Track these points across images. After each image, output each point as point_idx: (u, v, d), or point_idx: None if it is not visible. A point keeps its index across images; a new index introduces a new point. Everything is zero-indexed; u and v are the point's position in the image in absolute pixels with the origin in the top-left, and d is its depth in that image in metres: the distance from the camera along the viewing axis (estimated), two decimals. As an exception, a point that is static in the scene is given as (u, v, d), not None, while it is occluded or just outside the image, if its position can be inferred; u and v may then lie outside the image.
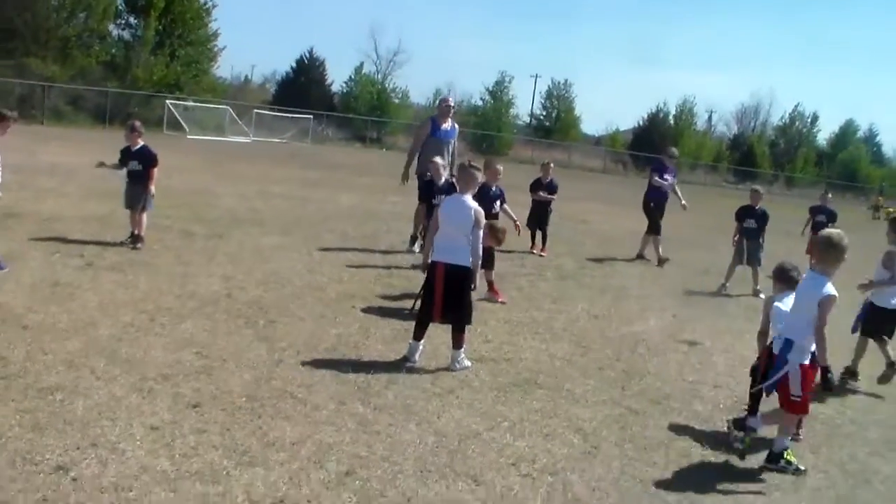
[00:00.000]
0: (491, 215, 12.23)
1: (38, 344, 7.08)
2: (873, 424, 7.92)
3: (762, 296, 12.82)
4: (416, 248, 13.89)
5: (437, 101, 15.61)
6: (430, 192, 12.69)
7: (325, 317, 9.15)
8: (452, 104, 14.82)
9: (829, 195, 19.58)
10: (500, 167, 12.10)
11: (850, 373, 9.42)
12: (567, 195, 16.00)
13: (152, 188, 11.93)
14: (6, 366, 6.45)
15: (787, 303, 7.16)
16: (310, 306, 9.54)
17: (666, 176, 17.02)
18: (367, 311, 9.64)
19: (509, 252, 14.57)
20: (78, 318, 7.97)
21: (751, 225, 14.50)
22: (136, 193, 11.87)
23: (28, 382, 6.16)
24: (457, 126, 14.55)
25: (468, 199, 7.82)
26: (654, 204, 16.92)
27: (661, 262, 16.32)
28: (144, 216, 11.91)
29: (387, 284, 11.16)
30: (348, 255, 13.19)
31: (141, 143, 12.03)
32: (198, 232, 13.11)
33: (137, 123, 12.30)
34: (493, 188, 11.56)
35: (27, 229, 11.98)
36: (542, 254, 15.58)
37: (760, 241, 14.58)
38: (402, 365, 7.65)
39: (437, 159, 12.71)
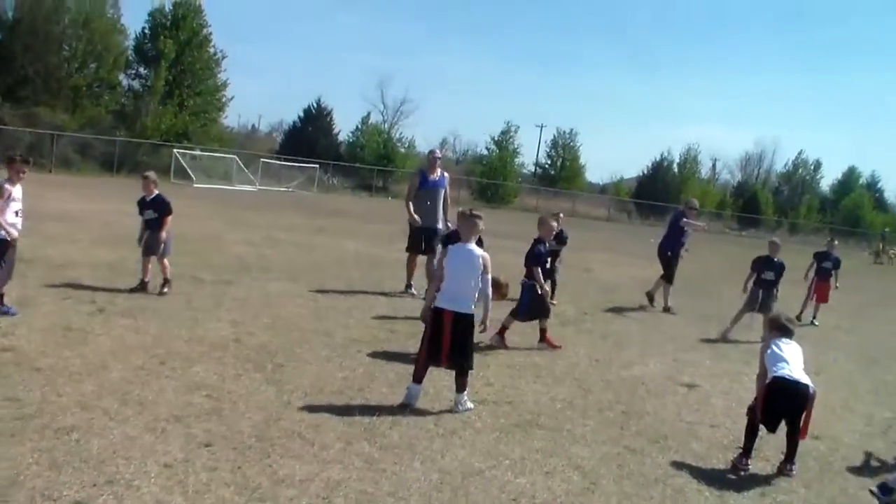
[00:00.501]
0: (546, 271, 12.72)
1: (52, 386, 7.29)
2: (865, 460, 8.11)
3: None
4: (414, 290, 14.60)
5: (427, 154, 16.12)
6: (421, 243, 13.84)
7: (331, 361, 9.37)
8: (439, 156, 15.52)
9: (836, 242, 19.86)
10: (555, 224, 12.38)
11: None
12: (571, 244, 16.22)
13: (163, 234, 12.31)
14: (22, 407, 6.67)
15: (781, 348, 7.50)
16: (316, 350, 9.76)
17: (687, 229, 17.27)
18: (372, 355, 9.86)
19: (513, 300, 14.77)
20: (90, 362, 8.20)
21: (769, 276, 14.52)
22: (154, 240, 12.28)
23: (44, 423, 6.38)
24: (447, 175, 15.18)
25: (473, 246, 8.07)
26: (672, 253, 17.08)
27: (666, 309, 16.52)
28: (166, 261, 12.31)
29: (391, 330, 11.36)
30: (354, 300, 13.43)
31: (156, 192, 12.50)
32: (206, 278, 13.35)
33: (152, 174, 12.84)
34: (543, 245, 11.69)
35: (38, 275, 12.24)
36: (553, 302, 15.70)
37: (775, 291, 14.57)
38: (406, 407, 7.84)
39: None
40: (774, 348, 7.60)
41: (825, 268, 18.25)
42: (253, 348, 9.51)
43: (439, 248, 11.24)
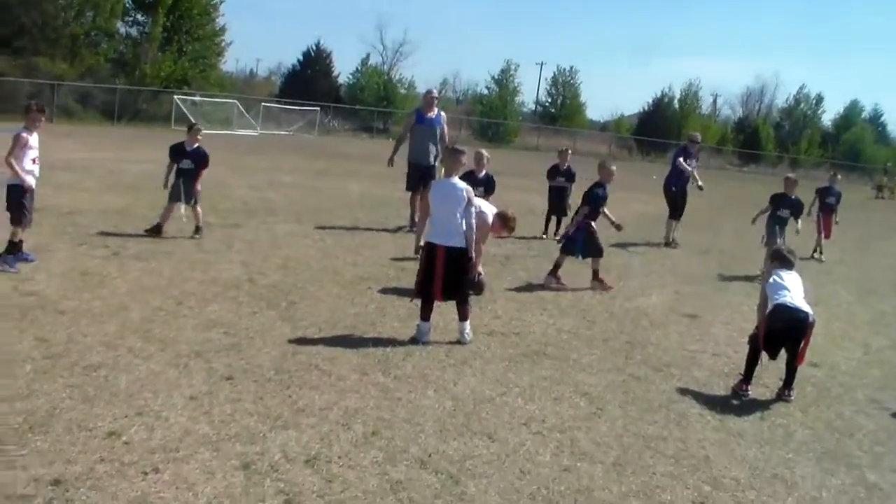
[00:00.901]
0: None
1: (77, 327, 7.56)
2: (861, 387, 8.40)
3: None
4: (411, 227, 14.94)
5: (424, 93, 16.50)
6: (419, 181, 14.37)
7: (342, 298, 9.64)
8: (436, 95, 15.80)
9: (839, 177, 19.70)
10: (615, 167, 12.59)
11: None
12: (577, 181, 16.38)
13: (198, 185, 12.69)
14: (50, 347, 6.94)
15: (783, 277, 7.75)
16: (327, 288, 10.03)
17: (689, 161, 17.43)
18: (382, 291, 10.14)
19: (520, 238, 15.06)
20: (110, 304, 8.46)
21: (784, 214, 14.28)
22: (189, 189, 12.58)
23: (73, 361, 6.65)
24: (443, 114, 15.52)
25: (456, 180, 8.26)
26: (676, 188, 17.30)
27: (669, 244, 16.78)
28: (199, 208, 12.68)
29: (399, 267, 11.60)
30: (361, 239, 13.69)
31: (198, 144, 12.82)
32: (214, 222, 13.55)
33: (199, 126, 13.38)
34: (603, 189, 12.02)
35: (51, 222, 12.45)
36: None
37: (797, 227, 14.36)
38: (416, 342, 8.12)
39: (484, 153, 13.14)
40: (776, 278, 7.84)
41: (829, 203, 18.19)
42: (265, 287, 9.77)
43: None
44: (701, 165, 19.48)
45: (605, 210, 12.08)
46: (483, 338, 8.48)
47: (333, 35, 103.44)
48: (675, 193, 17.27)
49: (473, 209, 8.28)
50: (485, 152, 13.00)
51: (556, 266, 11.68)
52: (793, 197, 14.39)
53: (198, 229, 12.61)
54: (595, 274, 11.78)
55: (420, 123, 15.16)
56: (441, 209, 8.15)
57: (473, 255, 8.42)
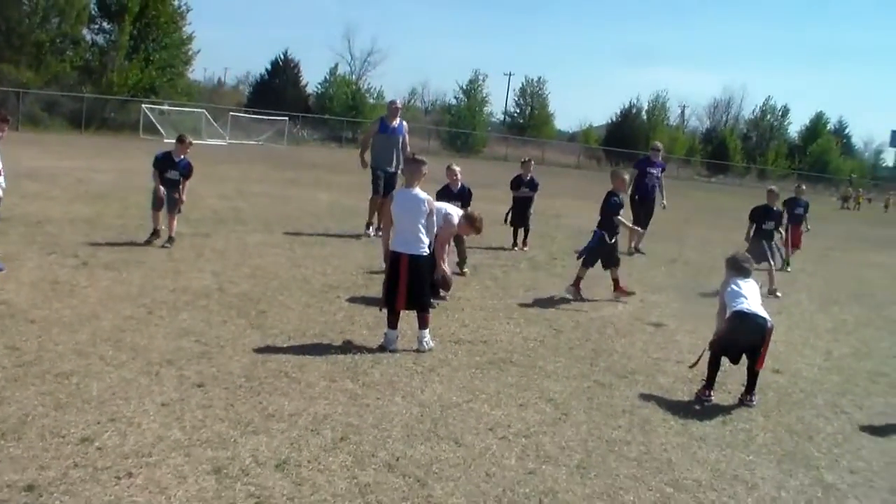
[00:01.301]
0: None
1: (48, 336, 7.60)
2: (821, 392, 8.58)
3: (778, 294, 13.42)
4: (371, 231, 15.76)
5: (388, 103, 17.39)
6: (382, 186, 15.52)
7: (311, 306, 9.74)
8: (399, 105, 16.77)
9: (803, 187, 19.93)
10: (627, 176, 12.79)
11: None
12: (541, 191, 16.56)
13: (184, 196, 12.90)
14: (22, 355, 6.98)
15: (740, 285, 7.94)
16: (296, 297, 10.13)
17: (651, 170, 17.87)
18: (350, 300, 10.24)
19: (488, 248, 15.25)
20: (81, 313, 8.50)
21: (769, 226, 14.27)
22: (172, 199, 12.75)
23: (44, 369, 6.70)
24: (405, 124, 16.42)
25: (418, 190, 8.32)
26: (639, 197, 17.68)
27: (633, 252, 16.98)
28: (176, 220, 12.87)
29: (368, 275, 11.72)
30: (330, 248, 13.80)
31: (185, 156, 12.94)
32: (184, 232, 13.56)
33: (189, 138, 13.39)
34: (618, 197, 12.11)
35: (20, 232, 12.47)
36: (525, 248, 16.05)
37: (777, 240, 14.42)
38: (385, 349, 8.22)
39: (455, 167, 13.40)
40: (734, 286, 8.02)
41: (797, 213, 18.38)
42: (235, 296, 9.85)
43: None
44: (668, 175, 19.73)
45: (621, 217, 12.19)
46: (450, 346, 8.61)
47: (302, 44, 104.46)
48: (638, 202, 17.60)
49: (435, 218, 8.44)
50: (456, 167, 13.23)
51: (578, 279, 11.88)
52: (775, 208, 14.44)
53: (170, 239, 12.70)
54: (615, 283, 12.00)
55: (383, 132, 15.92)
56: (403, 219, 8.25)
57: (440, 264, 8.57)
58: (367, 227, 16.03)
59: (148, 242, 12.58)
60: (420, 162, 8.57)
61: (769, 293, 13.37)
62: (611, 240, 11.89)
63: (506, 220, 16.36)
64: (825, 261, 20.59)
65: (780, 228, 14.35)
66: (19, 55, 43.10)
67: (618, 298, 11.86)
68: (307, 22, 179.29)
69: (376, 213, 15.72)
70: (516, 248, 16.06)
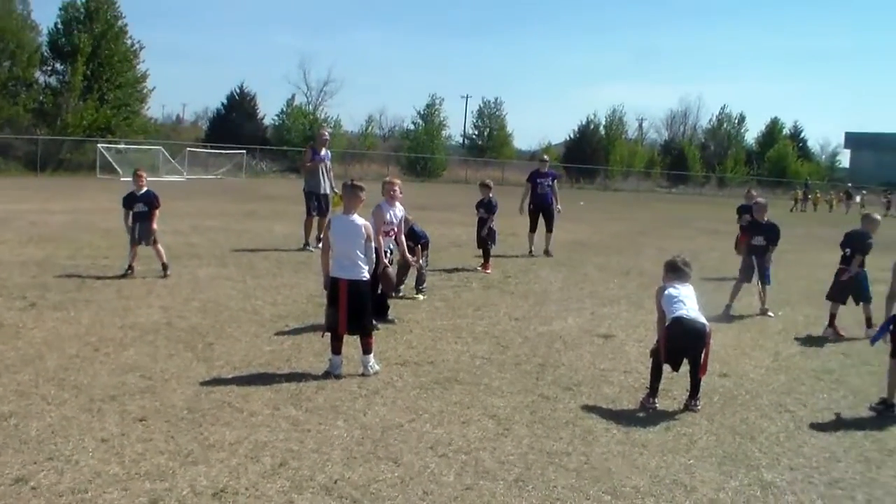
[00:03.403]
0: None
1: (-11, 378, 7.59)
2: (767, 392, 8.73)
3: (771, 314, 13.13)
4: (311, 247, 17.33)
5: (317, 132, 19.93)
6: (315, 207, 17.79)
7: (259, 336, 9.77)
8: (327, 137, 19.40)
9: (754, 192, 19.73)
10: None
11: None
12: (500, 211, 16.62)
13: (154, 225, 13.31)
14: (-39, 399, 6.98)
15: (679, 289, 8.03)
16: (245, 328, 10.14)
17: (541, 180, 19.19)
18: (299, 329, 10.26)
19: (442, 270, 15.33)
20: (25, 354, 8.49)
21: (759, 242, 13.39)
22: (145, 230, 13.25)
23: (-17, 411, 6.70)
24: (329, 152, 18.84)
25: (356, 217, 8.40)
26: (534, 206, 19.24)
27: (535, 253, 18.94)
28: (160, 246, 13.53)
29: (318, 304, 11.67)
30: (282, 279, 13.80)
31: (146, 187, 13.43)
32: (136, 268, 13.54)
33: (143, 171, 14.02)
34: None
35: (-31, 276, 12.39)
36: (487, 271, 16.01)
37: (768, 257, 13.50)
38: (330, 375, 8.25)
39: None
40: (671, 290, 8.10)
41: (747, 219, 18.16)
42: (184, 330, 9.86)
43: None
44: (629, 189, 19.98)
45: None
46: (396, 368, 8.66)
47: (259, 76, 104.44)
48: (533, 211, 19.22)
49: (373, 245, 8.53)
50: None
51: (832, 316, 12.05)
52: (764, 222, 13.59)
53: (164, 267, 13.34)
54: (868, 321, 11.98)
55: (315, 158, 18.19)
56: (342, 245, 8.31)
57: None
58: (306, 245, 17.79)
59: (123, 275, 13.04)
60: (359, 188, 8.62)
61: (760, 313, 13.26)
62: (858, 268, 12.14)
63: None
64: (780, 263, 20.64)
65: (774, 244, 13.48)
66: (-29, 99, 42.90)
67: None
68: (263, 55, 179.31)
69: (312, 230, 17.82)
70: (479, 270, 16.02)
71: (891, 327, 8.38)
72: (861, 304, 12.09)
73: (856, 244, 12.28)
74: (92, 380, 7.72)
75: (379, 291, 10.04)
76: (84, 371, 7.98)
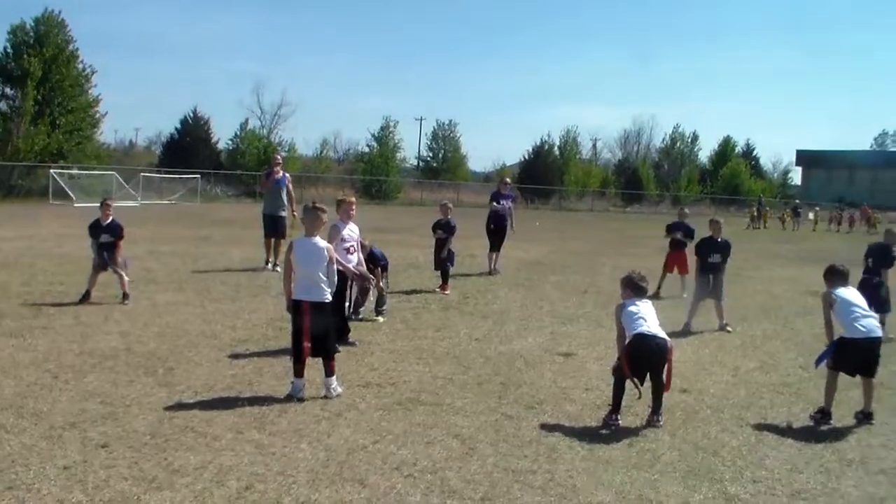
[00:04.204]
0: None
1: (-56, 410, 7.48)
2: (728, 407, 8.86)
3: (729, 329, 13.29)
4: (270, 266, 18.18)
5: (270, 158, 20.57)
6: (270, 229, 18.65)
7: (220, 361, 9.72)
8: (279, 161, 19.99)
9: (687, 211, 19.71)
10: (687, 210, 13.05)
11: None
12: (457, 233, 16.68)
13: (119, 256, 13.49)
14: (-84, 430, 6.87)
15: (638, 306, 8.13)
16: (205, 353, 10.09)
17: (503, 202, 20.02)
18: (259, 353, 10.22)
19: (401, 292, 15.35)
20: (-19, 382, 8.38)
21: (715, 259, 13.58)
22: (112, 260, 13.40)
23: (-60, 442, 6.60)
24: (287, 175, 19.63)
25: (318, 239, 8.44)
26: (494, 226, 20.03)
27: (492, 273, 19.41)
28: (125, 276, 13.59)
29: (278, 327, 11.67)
30: (241, 304, 13.73)
31: (111, 217, 13.52)
32: (93, 294, 13.42)
33: (111, 201, 14.19)
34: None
35: (-80, 306, 12.20)
36: (446, 292, 16.06)
37: (722, 274, 13.75)
38: (292, 398, 8.24)
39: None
40: (630, 307, 8.21)
41: (677, 238, 18.01)
42: (143, 355, 9.79)
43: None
44: (584, 209, 20.25)
45: None
46: (358, 390, 8.67)
47: (212, 100, 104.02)
48: (493, 230, 19.96)
49: (335, 267, 8.57)
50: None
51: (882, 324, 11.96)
52: (719, 240, 13.85)
53: (125, 296, 13.37)
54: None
55: (269, 182, 19.08)
56: (304, 267, 8.33)
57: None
58: (267, 263, 18.51)
59: (80, 302, 13.01)
60: (320, 209, 8.63)
61: (720, 328, 13.41)
62: None
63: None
64: (736, 280, 20.95)
65: (726, 260, 13.75)
66: (-82, 126, 42.31)
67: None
68: (216, 79, 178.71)
69: (272, 250, 18.59)
70: (437, 291, 16.03)
71: (833, 350, 8.60)
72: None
73: (879, 256, 13.60)
74: (51, 407, 7.63)
75: (345, 313, 10.09)
76: (43, 398, 7.89)
